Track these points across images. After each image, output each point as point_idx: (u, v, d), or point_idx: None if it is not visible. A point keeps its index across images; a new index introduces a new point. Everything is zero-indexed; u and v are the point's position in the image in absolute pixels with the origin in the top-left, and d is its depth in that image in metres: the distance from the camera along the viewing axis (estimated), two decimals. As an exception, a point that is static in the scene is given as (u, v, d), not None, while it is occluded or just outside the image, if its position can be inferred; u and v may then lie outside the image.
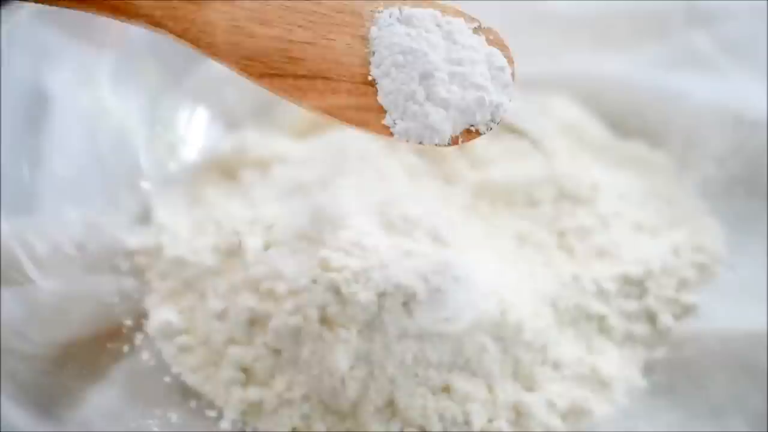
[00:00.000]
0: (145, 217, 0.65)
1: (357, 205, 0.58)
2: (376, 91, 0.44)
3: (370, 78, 0.44)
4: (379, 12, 0.45)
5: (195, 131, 0.71)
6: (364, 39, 0.44)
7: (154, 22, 0.42)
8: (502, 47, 0.46)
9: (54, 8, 0.44)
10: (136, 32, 0.64)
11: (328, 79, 0.44)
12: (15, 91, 0.60)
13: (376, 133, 0.44)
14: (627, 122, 0.71)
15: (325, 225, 0.57)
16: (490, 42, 0.46)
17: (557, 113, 0.70)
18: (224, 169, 0.68)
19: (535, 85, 0.68)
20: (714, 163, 0.66)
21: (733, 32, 0.71)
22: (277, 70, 0.43)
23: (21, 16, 0.60)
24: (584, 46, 0.74)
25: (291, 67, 0.43)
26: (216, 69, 0.69)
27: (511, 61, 0.46)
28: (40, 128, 0.61)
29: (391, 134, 0.44)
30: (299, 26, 0.43)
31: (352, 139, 0.64)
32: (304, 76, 0.43)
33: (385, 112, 0.44)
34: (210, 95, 0.71)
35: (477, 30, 0.46)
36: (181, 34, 0.42)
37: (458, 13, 0.46)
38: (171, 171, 0.68)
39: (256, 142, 0.69)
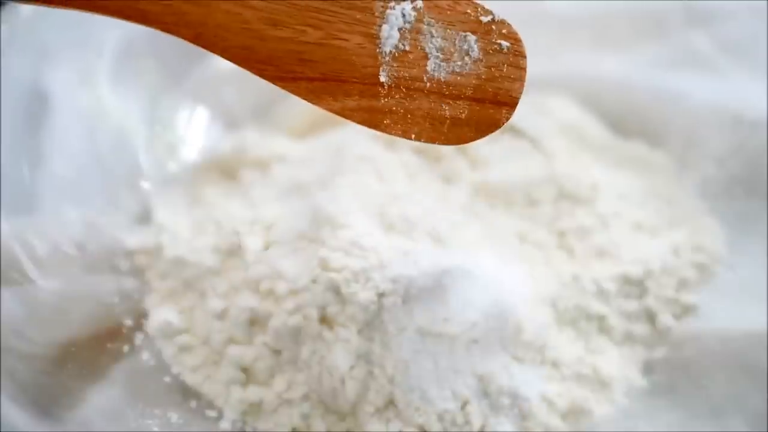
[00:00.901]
0: (145, 217, 0.65)
1: (357, 205, 0.58)
2: (387, 92, 0.44)
3: (381, 79, 0.44)
4: (391, 8, 0.45)
5: (195, 131, 0.71)
6: (376, 37, 0.44)
7: (165, 28, 0.42)
8: (515, 40, 0.46)
9: (56, 8, 0.44)
10: (136, 32, 0.65)
11: (341, 81, 0.44)
12: (15, 91, 0.60)
13: (387, 133, 0.45)
14: (627, 122, 0.70)
15: (325, 225, 0.57)
16: (502, 35, 0.45)
17: (557, 113, 0.70)
18: (224, 169, 0.68)
19: (534, 85, 0.67)
20: (714, 163, 0.66)
21: (733, 32, 0.71)
22: (290, 73, 0.44)
23: (21, 16, 0.60)
24: (584, 46, 0.74)
25: (303, 70, 0.44)
26: (216, 69, 0.71)
27: (523, 55, 0.46)
28: (40, 128, 0.61)
29: (401, 134, 0.45)
30: (311, 26, 0.43)
31: (352, 139, 0.64)
32: (316, 79, 0.44)
33: (393, 112, 0.45)
34: (210, 95, 0.71)
35: (490, 23, 0.46)
36: (194, 40, 0.43)
37: (471, 5, 0.45)
38: (171, 171, 0.68)
39: (255, 142, 0.69)
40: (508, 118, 0.46)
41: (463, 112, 0.45)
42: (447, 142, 0.46)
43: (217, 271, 0.60)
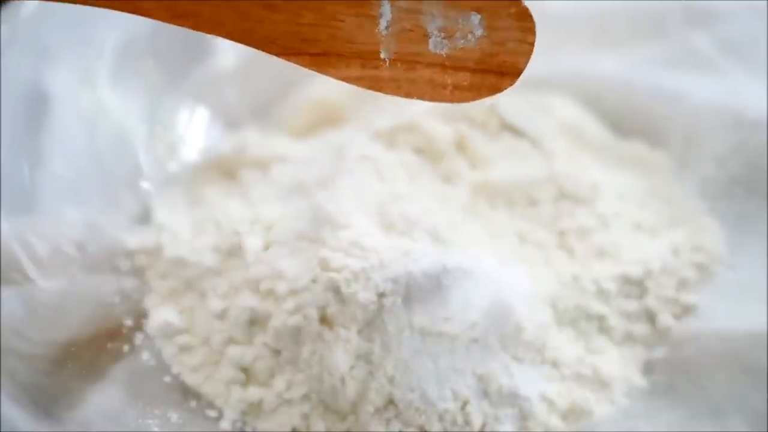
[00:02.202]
0: (145, 217, 0.64)
1: (357, 205, 0.58)
2: (388, 65, 0.45)
3: (381, 55, 0.45)
4: None
5: (195, 131, 0.71)
6: (375, 17, 0.45)
7: (162, 20, 0.43)
8: (524, 17, 0.45)
9: (54, 7, 0.44)
10: (136, 32, 0.65)
11: (342, 56, 0.45)
12: (15, 91, 0.60)
13: (390, 94, 0.46)
14: (627, 122, 0.70)
15: (325, 225, 0.57)
16: (510, 14, 0.45)
17: (557, 113, 0.70)
18: (224, 169, 0.68)
19: (535, 85, 0.68)
20: (714, 163, 0.66)
21: (733, 32, 0.71)
22: (293, 50, 0.45)
23: (21, 16, 0.60)
24: (584, 46, 0.74)
25: (305, 47, 0.45)
26: (216, 69, 0.71)
27: (532, 31, 0.45)
28: (40, 128, 0.61)
29: (404, 96, 0.46)
30: (306, 9, 0.44)
31: (352, 139, 0.64)
32: (319, 54, 0.45)
33: (396, 80, 0.46)
34: (210, 95, 0.71)
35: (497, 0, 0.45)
36: (194, 28, 0.44)
37: None
38: (171, 171, 0.68)
39: (256, 142, 0.69)
40: (510, 85, 0.46)
41: (465, 81, 0.46)
42: (449, 101, 0.47)
43: (217, 271, 0.60)
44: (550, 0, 0.73)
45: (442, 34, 0.45)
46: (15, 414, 0.49)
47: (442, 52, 0.45)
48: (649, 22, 0.73)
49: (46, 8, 0.60)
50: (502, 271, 0.57)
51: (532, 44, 0.45)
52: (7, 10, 0.60)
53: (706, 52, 0.71)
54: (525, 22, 0.45)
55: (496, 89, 0.46)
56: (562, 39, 0.73)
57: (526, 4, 0.45)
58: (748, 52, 0.70)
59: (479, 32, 0.45)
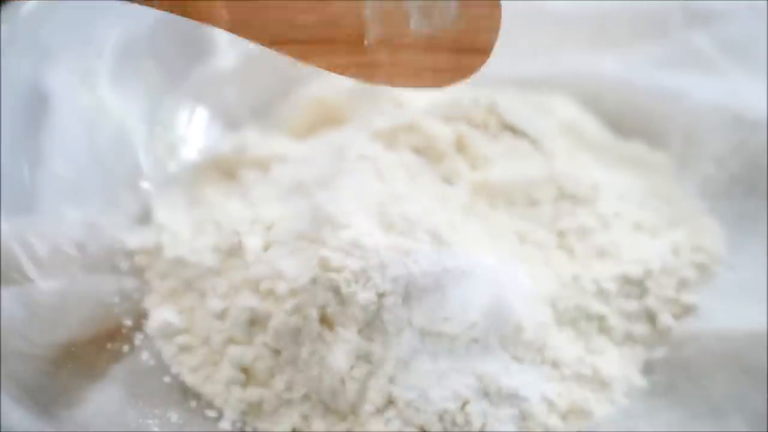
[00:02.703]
0: (145, 217, 0.65)
1: (357, 205, 0.58)
2: (372, 49, 0.48)
3: (367, 38, 0.48)
4: None
5: (195, 131, 0.71)
6: (361, 2, 0.47)
7: (158, 8, 0.46)
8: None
9: (54, 7, 0.45)
10: (136, 32, 0.65)
11: (329, 43, 0.48)
12: (15, 91, 0.60)
13: (374, 83, 0.50)
14: (627, 122, 0.70)
15: (325, 225, 0.57)
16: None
17: (557, 113, 0.70)
18: (224, 169, 0.68)
19: (535, 85, 0.68)
20: (714, 163, 0.66)
21: (733, 32, 0.71)
22: (282, 37, 0.48)
23: (21, 16, 0.60)
24: (584, 45, 0.74)
25: (294, 34, 0.48)
26: (216, 69, 0.71)
27: (497, 7, 0.48)
28: (40, 128, 0.61)
29: (387, 83, 0.49)
30: None
31: (352, 139, 0.64)
32: (305, 42, 0.48)
33: (379, 65, 0.49)
34: (210, 95, 0.71)
35: None
36: (189, 17, 0.47)
37: None
38: (171, 171, 0.68)
39: (256, 142, 0.69)
40: (483, 63, 0.50)
41: (443, 63, 0.49)
42: (432, 85, 0.50)
43: (217, 271, 0.60)
44: (550, 0, 0.74)
45: (422, 14, 0.48)
46: (15, 414, 0.49)
47: (422, 32, 0.48)
48: (649, 22, 0.73)
49: (46, 8, 0.60)
50: (502, 271, 0.57)
51: (498, 19, 0.49)
52: (7, 10, 0.60)
53: (706, 52, 0.71)
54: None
55: (472, 69, 0.50)
56: (562, 39, 0.73)
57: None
58: (748, 52, 0.70)
59: (454, 11, 0.48)
